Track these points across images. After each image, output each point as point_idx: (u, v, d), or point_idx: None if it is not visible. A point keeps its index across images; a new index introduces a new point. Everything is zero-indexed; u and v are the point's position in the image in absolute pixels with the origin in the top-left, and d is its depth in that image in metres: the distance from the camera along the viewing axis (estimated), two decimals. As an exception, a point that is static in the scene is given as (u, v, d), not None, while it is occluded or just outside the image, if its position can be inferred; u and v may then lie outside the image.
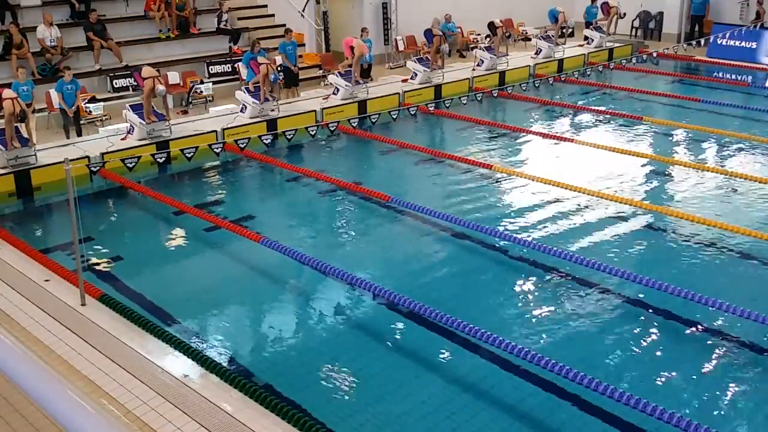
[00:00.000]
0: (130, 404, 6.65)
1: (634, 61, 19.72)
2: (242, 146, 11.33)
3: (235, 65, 18.97)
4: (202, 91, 17.67)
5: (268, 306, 9.29)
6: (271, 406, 6.61)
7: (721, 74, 21.82)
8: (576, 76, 18.40)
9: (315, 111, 16.51)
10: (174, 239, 11.09)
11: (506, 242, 10.48)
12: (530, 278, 9.75)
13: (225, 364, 7.53)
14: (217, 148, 11.80)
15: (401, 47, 23.37)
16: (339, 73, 17.63)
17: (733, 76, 21.38)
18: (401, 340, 8.46)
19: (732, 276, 9.78)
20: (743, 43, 22.74)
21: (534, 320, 8.72)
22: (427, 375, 7.78)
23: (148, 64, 15.73)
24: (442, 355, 8.05)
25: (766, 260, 10.02)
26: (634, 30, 27.24)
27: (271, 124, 15.65)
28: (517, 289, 9.53)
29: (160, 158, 12.26)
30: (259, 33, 20.20)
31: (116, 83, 17.76)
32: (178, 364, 7.34)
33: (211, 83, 18.12)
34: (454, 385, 7.53)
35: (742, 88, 20.04)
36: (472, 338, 7.83)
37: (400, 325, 8.64)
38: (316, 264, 9.52)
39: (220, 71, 19.24)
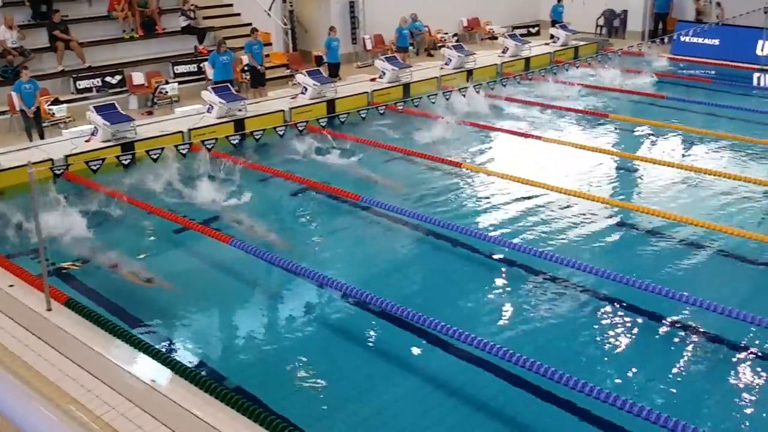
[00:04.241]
0: (99, 410, 6.53)
1: (599, 58, 19.92)
2: (209, 147, 11.23)
3: (201, 65, 18.80)
4: (167, 92, 17.50)
5: (238, 308, 9.20)
6: (242, 409, 6.53)
7: (685, 71, 22.08)
8: (543, 73, 18.53)
9: (283, 111, 16.42)
10: (142, 241, 10.93)
11: (477, 240, 10.49)
12: (502, 276, 9.79)
13: (194, 368, 7.43)
14: (184, 149, 11.67)
15: (369, 46, 23.36)
16: (306, 72, 17.57)
17: (697, 73, 21.65)
18: (373, 340, 8.43)
19: (704, 271, 9.91)
20: (706, 41, 23.06)
21: (506, 317, 8.76)
22: (399, 374, 7.76)
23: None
24: (414, 354, 8.03)
25: (738, 255, 10.15)
26: (598, 28, 27.52)
27: (239, 124, 15.53)
28: (489, 286, 9.54)
29: (126, 160, 12.12)
30: (225, 32, 20.08)
31: (79, 84, 17.52)
32: (146, 369, 7.23)
33: (176, 83, 17.95)
34: (426, 384, 7.53)
35: (706, 84, 20.31)
36: (444, 336, 7.83)
37: (372, 325, 8.62)
38: (287, 264, 9.46)
39: (185, 71, 19.08)
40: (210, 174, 12.80)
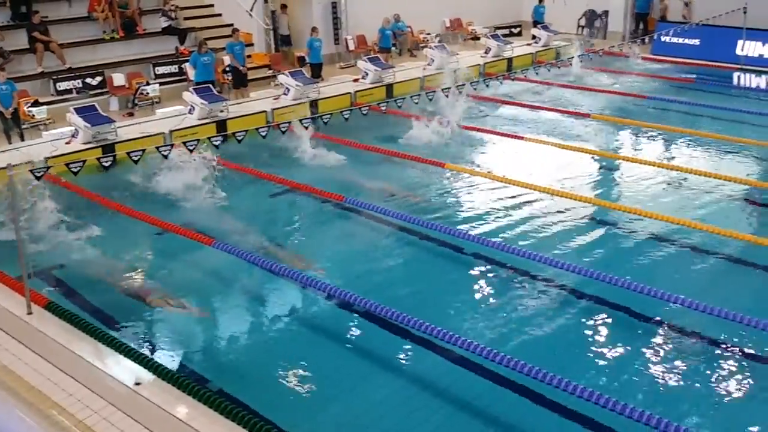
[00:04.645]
0: (81, 414, 6.47)
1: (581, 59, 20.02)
2: (191, 148, 11.14)
3: (182, 66, 18.69)
4: (148, 93, 17.38)
5: (220, 309, 9.14)
6: (225, 411, 6.49)
7: (665, 71, 22.20)
8: (525, 74, 18.56)
9: (266, 111, 16.36)
10: (123, 244, 10.82)
11: (461, 239, 10.50)
12: (485, 275, 9.79)
13: (177, 370, 7.38)
14: (166, 151, 11.57)
15: (352, 47, 23.34)
16: (289, 72, 17.52)
17: (678, 73, 21.78)
18: (357, 341, 8.41)
19: (680, 268, 9.96)
20: (686, 41, 23.23)
21: (490, 317, 8.75)
22: (384, 375, 7.75)
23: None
24: (398, 355, 8.02)
25: (714, 252, 10.23)
26: (580, 28, 27.65)
27: (221, 125, 15.45)
28: (473, 286, 9.55)
29: (107, 162, 12.01)
30: (206, 33, 19.98)
31: (60, 86, 17.36)
32: (128, 372, 7.16)
33: (157, 84, 17.83)
34: (411, 385, 7.52)
35: (687, 84, 20.45)
36: (429, 336, 7.82)
37: (356, 325, 8.60)
38: (269, 265, 9.41)
39: (166, 72, 18.96)
40: (192, 174, 12.72)
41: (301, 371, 7.66)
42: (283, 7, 21.92)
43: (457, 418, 7.02)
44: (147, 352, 7.71)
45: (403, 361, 7.94)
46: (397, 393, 7.36)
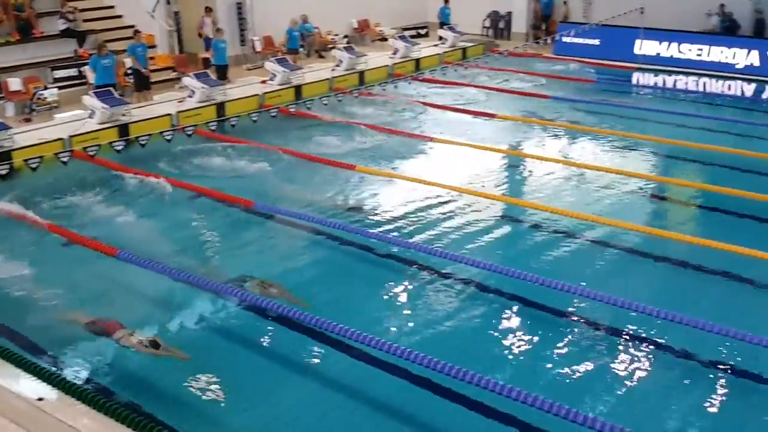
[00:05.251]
0: (-23, 435, 6.15)
1: (486, 59, 20.41)
2: (92, 154, 10.78)
3: (82, 69, 18.07)
4: (46, 98, 16.76)
5: (126, 320, 8.80)
6: (133, 424, 6.26)
7: (567, 72, 22.83)
8: (432, 75, 18.80)
9: (170, 115, 15.97)
10: (24, 256, 10.32)
11: (372, 240, 10.51)
12: (398, 275, 9.82)
13: (82, 384, 7.09)
14: (65, 157, 11.17)
15: (258, 48, 23.07)
16: (194, 74, 17.17)
17: (580, 73, 22.42)
18: (270, 345, 8.29)
19: (585, 261, 10.28)
20: (587, 41, 23.98)
21: (403, 316, 8.80)
22: (298, 379, 7.67)
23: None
24: (313, 358, 7.95)
25: (614, 244, 10.60)
26: (485, 30, 28.18)
27: (123, 129, 14.99)
28: (386, 286, 9.54)
29: (2, 170, 11.49)
30: (107, 35, 19.41)
31: (-51, 91, 16.51)
32: (32, 388, 6.81)
33: (56, 89, 17.22)
34: (326, 387, 7.48)
35: (589, 84, 21.10)
36: (342, 338, 7.76)
37: (269, 330, 8.47)
38: (176, 274, 9.16)
39: (65, 76, 18.28)
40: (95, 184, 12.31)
41: (212, 379, 7.48)
42: (208, 10, 21.30)
43: (373, 418, 7.01)
44: (51, 367, 7.36)
45: (318, 364, 7.88)
46: (311, 396, 7.30)
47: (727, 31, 23.99)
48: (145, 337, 7.92)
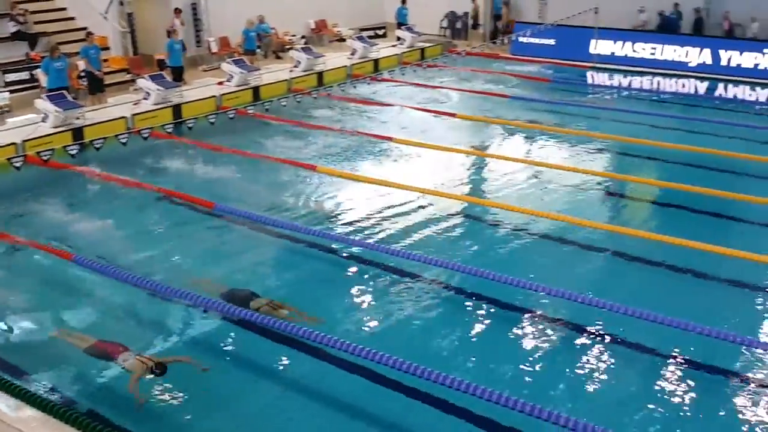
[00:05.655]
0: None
1: (444, 60, 20.50)
2: (46, 158, 10.56)
3: (34, 72, 17.70)
4: (-3, 102, 16.37)
5: (87, 328, 8.64)
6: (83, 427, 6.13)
7: (524, 71, 23.05)
8: (391, 75, 18.81)
9: (126, 117, 15.70)
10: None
11: (335, 242, 10.48)
12: (360, 276, 9.79)
13: (43, 394, 6.92)
14: (18, 162, 10.93)
15: (214, 49, 22.82)
16: (149, 76, 16.93)
17: (536, 73, 22.66)
18: (234, 351, 8.18)
19: (542, 257, 10.43)
20: (543, 41, 24.24)
21: (365, 316, 8.79)
22: (262, 383, 7.61)
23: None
24: (278, 362, 7.88)
25: (569, 240, 10.73)
26: (442, 30, 28.30)
27: (77, 133, 14.71)
28: (348, 287, 9.51)
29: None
30: (59, 37, 19.03)
31: None
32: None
33: (7, 92, 16.84)
34: (290, 390, 7.43)
35: (545, 83, 21.32)
36: (305, 341, 7.71)
37: (232, 335, 8.37)
38: (137, 281, 9.00)
39: (16, 79, 17.87)
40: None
41: (176, 386, 7.36)
42: (177, 11, 20.95)
43: (338, 419, 6.98)
44: (10, 378, 7.15)
45: (283, 368, 7.81)
46: (276, 399, 7.25)
47: (660, 29, 24.60)
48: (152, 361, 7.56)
